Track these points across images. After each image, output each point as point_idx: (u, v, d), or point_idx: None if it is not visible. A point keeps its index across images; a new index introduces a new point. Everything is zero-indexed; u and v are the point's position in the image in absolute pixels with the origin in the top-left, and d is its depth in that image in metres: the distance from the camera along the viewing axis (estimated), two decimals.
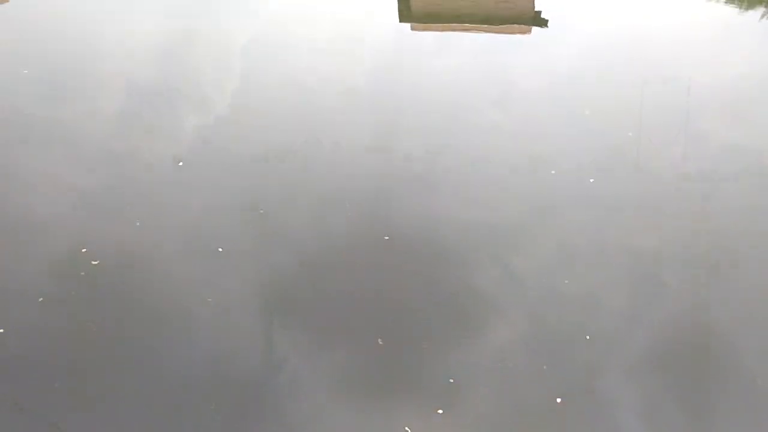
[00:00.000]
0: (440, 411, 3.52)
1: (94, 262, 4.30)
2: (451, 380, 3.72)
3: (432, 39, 10.76)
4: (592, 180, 5.66)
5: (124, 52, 8.98)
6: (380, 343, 3.90)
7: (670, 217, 5.28)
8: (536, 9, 12.83)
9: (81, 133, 6.33)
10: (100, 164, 5.71)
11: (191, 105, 7.17)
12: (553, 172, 5.80)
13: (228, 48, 9.44)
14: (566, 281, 4.47)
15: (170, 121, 6.72)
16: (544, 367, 3.82)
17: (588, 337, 4.07)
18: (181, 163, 5.64)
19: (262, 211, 5.02)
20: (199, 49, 9.29)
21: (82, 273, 4.24)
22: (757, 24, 12.00)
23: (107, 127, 6.51)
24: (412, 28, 11.12)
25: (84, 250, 4.42)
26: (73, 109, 6.91)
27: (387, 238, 4.77)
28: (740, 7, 13.88)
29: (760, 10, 12.59)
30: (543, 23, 11.57)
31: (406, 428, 3.36)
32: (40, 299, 4.04)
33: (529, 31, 11.29)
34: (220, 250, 4.52)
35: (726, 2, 14.51)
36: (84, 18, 11.04)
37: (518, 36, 10.99)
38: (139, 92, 7.44)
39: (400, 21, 11.49)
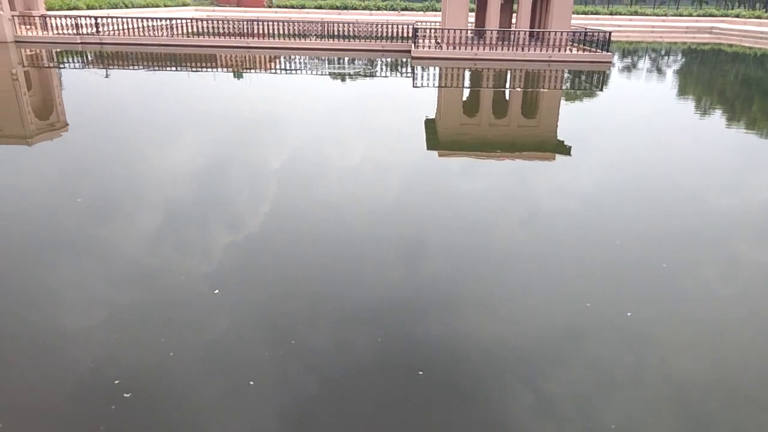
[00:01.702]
0: None
1: (126, 395, 4.24)
2: None
3: (458, 165, 11.15)
4: (629, 314, 5.55)
5: (166, 179, 9.51)
6: None
7: (712, 346, 5.08)
8: (559, 138, 13.44)
9: (126, 255, 6.57)
10: (139, 288, 5.85)
11: (225, 227, 7.42)
12: (588, 304, 5.71)
13: (261, 172, 9.92)
14: (605, 411, 4.23)
15: (206, 243, 6.92)
16: None
17: None
18: (216, 291, 5.73)
19: (293, 342, 4.99)
20: (233, 174, 9.78)
21: (113, 406, 4.17)
22: None
23: (156, 259, 6.74)
24: (440, 155, 11.64)
25: (117, 382, 4.38)
26: (118, 232, 7.23)
27: (421, 373, 4.65)
28: (760, 135, 14.28)
29: None
30: (566, 150, 12.03)
31: None
32: None
33: (553, 158, 11.72)
34: (252, 383, 4.44)
35: (746, 130, 14.99)
36: (132, 149, 11.85)
37: (542, 162, 11.39)
38: (180, 215, 7.78)
39: (428, 148, 12.09)
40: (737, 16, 52.13)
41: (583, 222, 8.02)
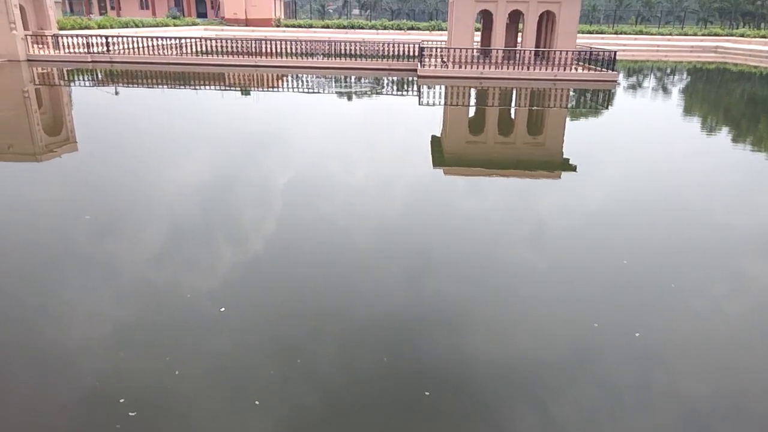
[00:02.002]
0: None
1: (131, 413, 4.23)
2: None
3: (464, 182, 11.17)
4: (637, 334, 5.50)
5: (173, 196, 9.58)
6: None
7: (722, 367, 5.02)
8: (565, 156, 13.46)
9: (132, 272, 6.59)
10: (145, 305, 5.86)
11: (232, 243, 7.44)
12: (596, 325, 5.66)
13: (268, 188, 9.97)
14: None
15: (212, 260, 6.93)
16: None
17: None
18: (223, 309, 5.72)
19: (299, 361, 4.96)
20: (240, 191, 9.83)
21: (118, 425, 4.15)
22: None
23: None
24: (446, 172, 11.66)
25: (122, 401, 4.37)
26: (125, 249, 7.26)
27: (428, 393, 4.61)
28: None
29: None
30: (572, 168, 12.03)
31: None
32: None
33: (559, 176, 11.72)
34: (257, 403, 4.41)
35: (753, 148, 14.96)
36: (140, 166, 11.95)
37: (548, 180, 11.39)
38: (186, 232, 7.82)
39: (434, 166, 12.13)
40: (742, 35, 52.31)
41: (590, 240, 7.99)
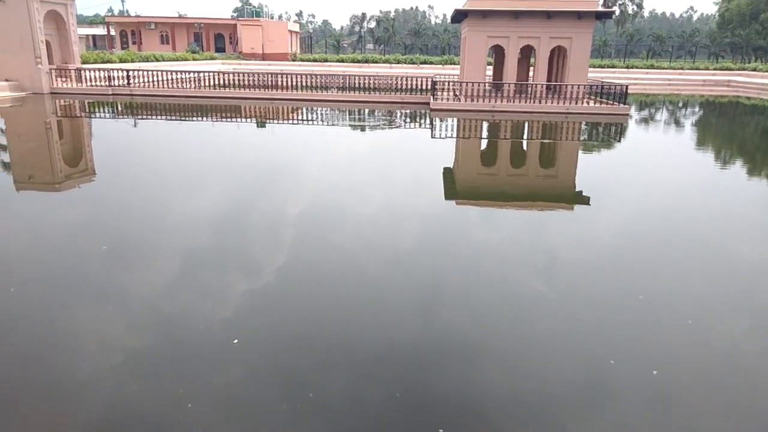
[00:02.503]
0: None
1: None
2: None
3: (476, 214, 11.16)
4: (655, 372, 5.38)
5: (188, 226, 9.67)
6: None
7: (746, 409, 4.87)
8: (578, 188, 13.44)
9: (146, 303, 6.61)
10: (159, 336, 5.86)
11: (245, 275, 7.46)
12: (612, 362, 5.55)
13: (282, 219, 10.03)
14: None
15: (226, 291, 6.94)
16: None
17: None
18: (236, 341, 5.70)
19: (311, 395, 4.91)
20: (254, 222, 9.90)
21: None
22: None
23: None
24: (458, 204, 11.68)
25: None
26: (140, 279, 7.31)
27: (441, 431, 4.52)
28: None
29: None
30: (585, 201, 11.99)
31: None
32: None
33: (572, 208, 11.67)
34: None
35: (761, 178, 14.83)
36: (157, 196, 12.11)
37: (561, 212, 11.35)
38: (201, 263, 7.86)
39: (446, 198, 12.16)
40: (755, 69, 52.47)
41: (605, 274, 7.89)
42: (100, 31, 75.27)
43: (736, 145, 21.84)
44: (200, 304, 6.64)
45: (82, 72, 30.17)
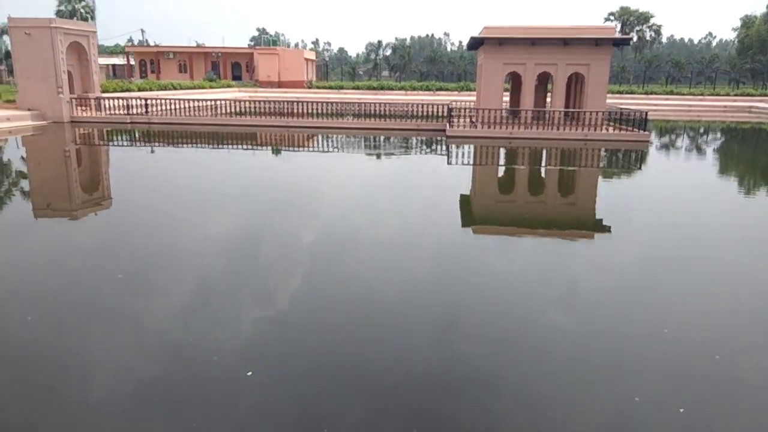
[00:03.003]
0: None
1: None
2: None
3: (494, 242, 10.86)
4: (682, 410, 4.98)
5: (204, 254, 9.50)
6: None
7: None
8: (598, 216, 13.05)
9: (161, 334, 6.41)
10: (173, 367, 5.64)
11: (260, 304, 7.23)
12: (637, 399, 5.18)
13: (297, 247, 9.83)
14: None
15: (241, 321, 6.71)
16: None
17: None
18: (250, 373, 5.46)
19: (325, 431, 4.63)
20: (270, 249, 9.71)
21: None
22: None
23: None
24: (475, 231, 11.38)
25: None
26: (155, 309, 7.13)
27: None
28: None
29: None
30: (606, 229, 11.60)
31: None
32: None
33: (592, 237, 11.30)
34: None
35: None
36: (172, 223, 12.02)
37: (581, 241, 10.98)
38: (216, 292, 7.67)
39: (463, 225, 11.86)
40: None
41: (628, 306, 7.49)
42: (119, 60, 77.25)
43: (761, 172, 21.28)
44: (215, 334, 6.44)
45: (102, 101, 30.71)
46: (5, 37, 47.03)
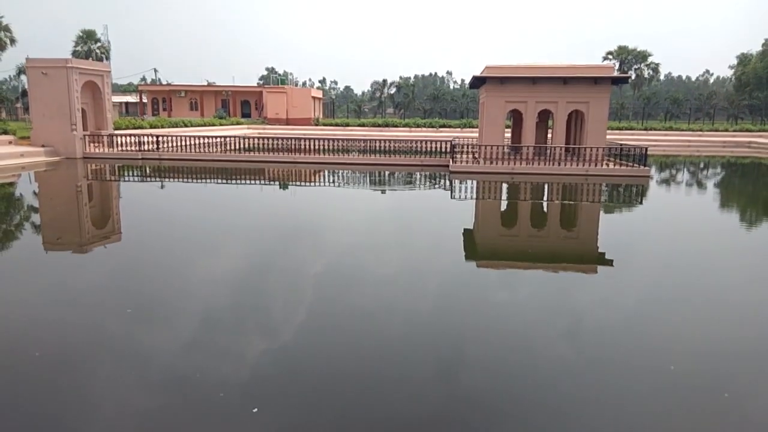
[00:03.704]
0: None
1: None
2: None
3: (497, 275, 11.04)
4: None
5: (213, 288, 9.74)
6: None
7: None
8: (600, 250, 13.27)
9: (167, 370, 6.58)
10: (179, 405, 5.79)
11: (267, 339, 7.40)
12: None
13: (302, 281, 10.04)
14: None
15: (246, 357, 6.88)
16: None
17: None
18: (255, 410, 5.57)
19: None
20: (276, 283, 9.92)
21: None
22: None
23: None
24: (478, 265, 11.59)
25: None
26: (161, 344, 7.32)
27: None
28: None
29: None
30: (608, 263, 11.80)
31: None
32: None
33: (595, 270, 11.49)
34: None
35: None
36: (181, 257, 12.29)
37: (584, 275, 11.16)
38: (223, 327, 7.86)
39: (467, 259, 12.10)
40: None
41: (633, 342, 7.55)
42: (133, 98, 79.02)
43: (762, 206, 21.51)
44: (222, 369, 6.55)
45: (114, 137, 31.44)
46: (23, 77, 48.45)
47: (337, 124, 64.22)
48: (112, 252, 12.28)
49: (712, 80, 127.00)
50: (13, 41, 50.75)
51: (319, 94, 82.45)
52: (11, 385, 6.15)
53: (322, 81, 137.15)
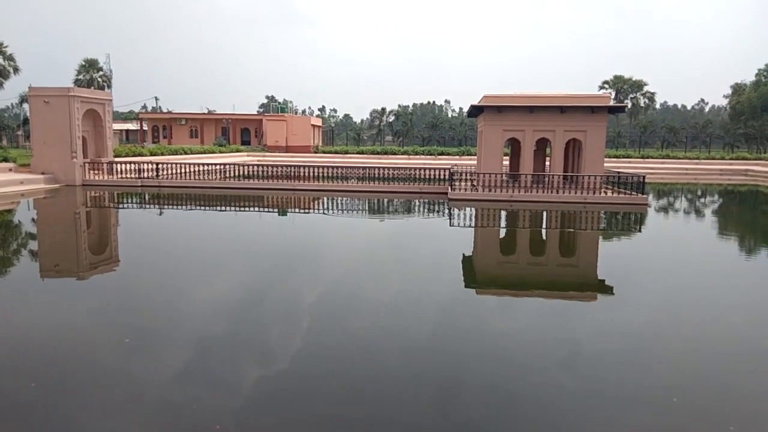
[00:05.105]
0: None
1: None
2: None
3: (496, 303, 10.98)
4: None
5: (210, 316, 9.67)
6: None
7: None
8: (600, 277, 13.23)
9: (163, 400, 6.48)
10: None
11: (262, 368, 7.32)
12: None
13: (300, 308, 9.97)
14: None
15: (242, 388, 6.80)
16: None
17: None
18: None
19: None
20: (273, 312, 9.86)
21: None
22: None
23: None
24: (477, 293, 11.53)
25: None
26: (159, 374, 7.23)
27: None
28: None
29: None
30: (608, 290, 11.75)
31: None
32: None
33: (595, 298, 11.43)
34: None
35: None
36: (179, 285, 12.23)
37: (583, 302, 11.08)
38: (221, 356, 7.78)
39: (466, 286, 12.04)
40: None
41: (635, 373, 7.42)
42: (133, 126, 79.71)
43: (761, 233, 21.53)
44: (218, 399, 6.46)
45: (114, 165, 31.59)
46: (25, 105, 48.97)
47: (336, 152, 64.66)
48: (110, 280, 12.20)
49: (707, 109, 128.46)
50: (16, 70, 51.48)
51: (319, 122, 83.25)
52: (5, 414, 6.03)
53: (322, 109, 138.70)
